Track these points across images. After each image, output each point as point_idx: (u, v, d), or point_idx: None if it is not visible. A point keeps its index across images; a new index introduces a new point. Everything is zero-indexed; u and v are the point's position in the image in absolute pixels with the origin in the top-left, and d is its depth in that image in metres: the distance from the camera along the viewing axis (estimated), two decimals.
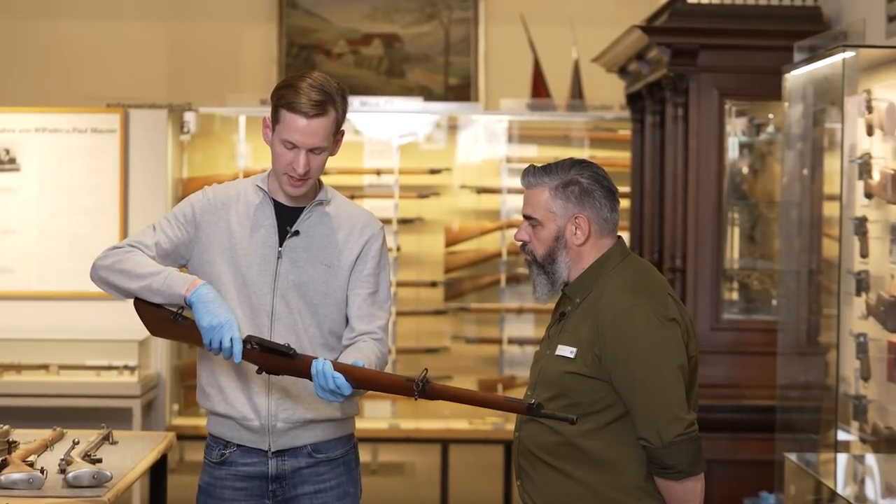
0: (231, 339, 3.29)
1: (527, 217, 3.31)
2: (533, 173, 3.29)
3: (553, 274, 3.29)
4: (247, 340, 3.30)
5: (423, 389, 3.20)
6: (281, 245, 3.49)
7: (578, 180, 3.25)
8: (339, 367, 3.26)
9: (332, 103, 3.40)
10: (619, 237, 3.34)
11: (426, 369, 3.23)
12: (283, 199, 3.51)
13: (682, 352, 3.18)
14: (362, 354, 3.40)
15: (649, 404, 3.13)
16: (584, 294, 3.27)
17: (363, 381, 3.28)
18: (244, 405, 3.48)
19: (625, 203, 7.21)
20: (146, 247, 3.46)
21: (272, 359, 3.32)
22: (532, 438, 3.28)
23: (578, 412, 3.17)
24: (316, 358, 3.28)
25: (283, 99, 3.39)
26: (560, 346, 3.24)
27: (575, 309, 3.28)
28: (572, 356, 3.20)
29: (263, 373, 3.35)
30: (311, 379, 3.28)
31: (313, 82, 3.39)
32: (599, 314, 3.19)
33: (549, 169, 3.28)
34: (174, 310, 3.39)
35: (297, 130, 3.37)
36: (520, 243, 3.36)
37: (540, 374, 3.31)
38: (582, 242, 3.26)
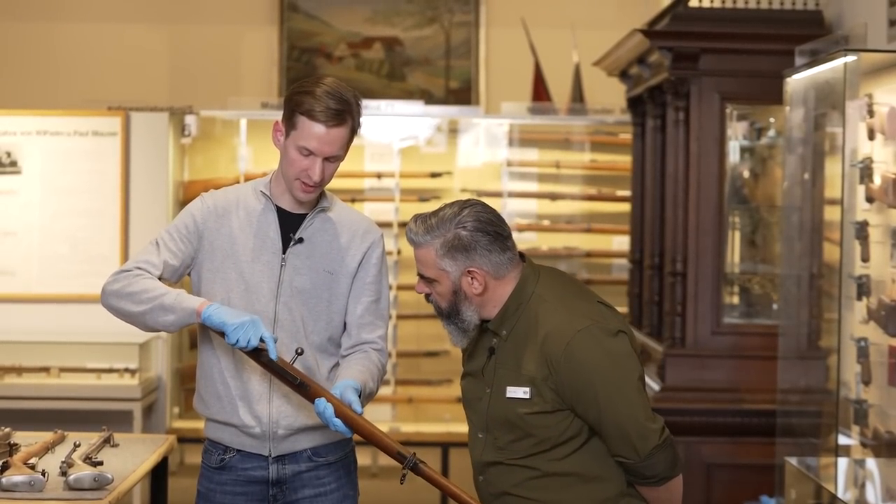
0: (262, 338, 3.28)
1: (421, 275, 3.23)
2: (415, 232, 3.18)
3: (462, 323, 3.20)
4: (257, 350, 3.32)
5: (411, 467, 3.26)
6: (284, 252, 3.49)
7: (460, 235, 3.12)
8: (340, 413, 3.27)
9: (349, 112, 3.40)
10: (523, 257, 3.25)
11: (414, 453, 3.26)
12: (285, 205, 3.51)
13: (637, 362, 3.14)
14: (367, 371, 3.43)
15: (620, 425, 3.09)
16: (510, 326, 3.19)
17: (361, 432, 3.31)
18: (245, 413, 3.48)
19: (625, 207, 7.21)
20: (153, 266, 3.42)
21: (278, 375, 3.34)
22: (504, 480, 3.22)
23: (549, 446, 3.14)
24: (319, 397, 3.29)
25: (301, 105, 3.37)
26: (510, 388, 3.16)
27: (504, 342, 3.20)
28: (527, 396, 3.13)
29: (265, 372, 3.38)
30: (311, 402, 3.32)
31: (330, 89, 3.38)
32: (545, 348, 3.10)
33: (430, 226, 3.16)
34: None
35: (316, 138, 3.37)
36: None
37: (490, 417, 3.21)
38: (481, 292, 3.17)
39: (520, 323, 3.17)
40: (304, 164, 3.39)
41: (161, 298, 3.35)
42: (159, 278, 3.42)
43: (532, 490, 3.18)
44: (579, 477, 3.16)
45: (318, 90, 3.37)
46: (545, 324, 3.13)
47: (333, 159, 3.42)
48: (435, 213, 3.20)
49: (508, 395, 3.16)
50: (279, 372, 3.32)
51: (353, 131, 3.44)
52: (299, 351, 3.35)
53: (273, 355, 3.30)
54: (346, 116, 3.39)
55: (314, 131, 3.37)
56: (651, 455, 3.09)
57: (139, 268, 3.42)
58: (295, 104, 3.39)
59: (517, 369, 3.16)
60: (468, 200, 3.22)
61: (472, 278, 3.16)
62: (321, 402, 3.28)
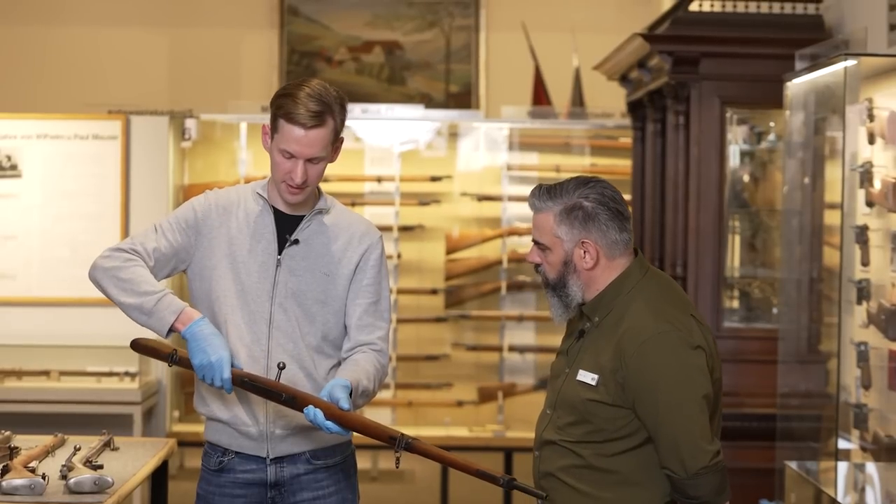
0: (221, 380, 3.31)
1: (535, 241, 3.25)
2: (538, 196, 3.21)
3: (566, 297, 3.22)
4: (240, 377, 3.33)
5: (405, 446, 3.23)
6: (280, 253, 3.50)
7: (582, 204, 3.16)
8: (331, 414, 3.26)
9: (330, 113, 3.40)
10: (638, 252, 3.27)
11: (402, 434, 3.24)
12: (282, 207, 3.52)
13: (708, 381, 3.11)
14: (362, 370, 3.42)
15: (674, 436, 3.07)
16: (603, 313, 3.20)
17: (353, 426, 3.30)
18: (242, 412, 3.49)
19: None
20: (147, 253, 3.44)
21: (264, 395, 3.35)
22: (554, 461, 3.23)
23: (601, 438, 3.15)
24: (307, 405, 3.28)
25: (281, 108, 3.39)
26: (581, 372, 3.18)
27: (594, 328, 3.22)
28: (594, 383, 3.14)
29: None
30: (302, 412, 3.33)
31: (312, 92, 3.39)
32: (622, 341, 3.11)
33: (553, 192, 3.19)
34: (170, 353, 3.41)
35: (295, 141, 3.38)
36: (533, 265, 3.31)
37: (560, 395, 3.24)
38: (591, 266, 3.19)
39: (612, 314, 3.19)
40: (287, 167, 3.41)
41: (143, 298, 3.36)
42: (151, 268, 3.44)
43: (574, 478, 3.19)
44: (622, 478, 3.15)
45: (299, 93, 3.39)
46: (629, 319, 3.14)
47: (317, 161, 3.42)
48: (559, 182, 3.23)
49: (579, 377, 3.17)
50: (264, 392, 3.34)
51: (336, 132, 3.44)
52: (281, 365, 3.35)
53: (228, 391, 3.35)
54: (325, 117, 3.40)
55: (294, 134, 3.38)
56: (698, 475, 3.07)
57: (135, 250, 3.43)
58: (276, 107, 3.42)
59: (594, 356, 3.17)
60: (594, 177, 3.25)
61: (584, 251, 3.18)
62: (310, 410, 3.27)
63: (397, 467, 3.32)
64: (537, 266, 3.27)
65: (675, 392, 3.07)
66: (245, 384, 3.33)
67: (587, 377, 3.16)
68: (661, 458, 3.11)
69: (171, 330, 3.36)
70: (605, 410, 3.13)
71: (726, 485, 3.13)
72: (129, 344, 3.49)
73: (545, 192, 3.20)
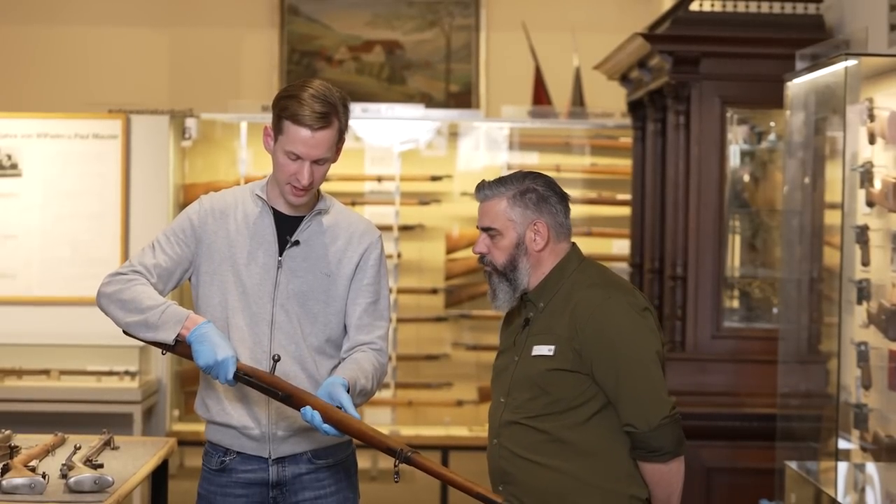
0: (226, 380, 3.31)
1: (484, 229, 3.39)
2: (489, 186, 3.40)
3: (514, 281, 3.37)
4: (241, 372, 3.32)
5: (404, 460, 3.21)
6: (281, 255, 3.49)
7: (534, 188, 3.36)
8: (328, 417, 3.26)
9: (335, 114, 3.40)
10: (574, 243, 3.43)
11: (401, 449, 3.21)
12: (282, 208, 3.51)
13: (658, 338, 3.30)
14: (360, 369, 3.42)
15: (634, 390, 3.22)
16: (548, 298, 3.35)
17: (351, 432, 3.29)
18: (243, 415, 3.49)
19: (626, 210, 7.22)
20: (147, 270, 3.45)
21: (261, 391, 3.34)
22: (516, 440, 3.32)
23: (560, 409, 3.27)
24: (305, 405, 3.27)
25: (286, 110, 3.38)
26: (536, 347, 3.31)
27: (540, 313, 3.35)
28: (551, 353, 3.28)
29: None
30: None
31: (316, 93, 3.38)
32: (576, 311, 3.27)
33: (503, 181, 3.39)
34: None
35: (302, 142, 3.37)
36: (478, 256, 3.43)
37: (514, 380, 3.35)
38: (541, 248, 3.36)
39: (557, 296, 3.34)
40: (293, 169, 3.40)
41: (147, 313, 3.36)
42: (154, 283, 3.44)
43: (541, 454, 3.28)
44: (584, 449, 3.26)
45: (303, 94, 3.38)
46: (578, 293, 3.31)
47: (322, 162, 3.42)
48: (504, 175, 3.43)
49: (534, 353, 3.31)
50: (261, 388, 3.33)
51: (341, 132, 3.45)
52: (276, 358, 3.34)
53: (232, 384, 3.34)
54: (331, 118, 3.39)
55: (300, 136, 3.37)
56: (660, 426, 3.21)
57: (135, 271, 3.44)
58: (281, 109, 3.41)
59: (547, 332, 3.31)
60: (534, 171, 3.45)
61: (535, 233, 3.34)
62: (307, 412, 3.26)
63: (396, 481, 3.30)
64: (482, 257, 3.40)
65: (632, 348, 3.24)
66: (242, 379, 3.33)
67: (543, 349, 3.30)
68: (622, 415, 3.24)
69: (177, 337, 3.36)
70: (563, 378, 3.26)
71: (684, 437, 3.27)
72: (129, 343, 3.49)
73: (495, 182, 3.41)
